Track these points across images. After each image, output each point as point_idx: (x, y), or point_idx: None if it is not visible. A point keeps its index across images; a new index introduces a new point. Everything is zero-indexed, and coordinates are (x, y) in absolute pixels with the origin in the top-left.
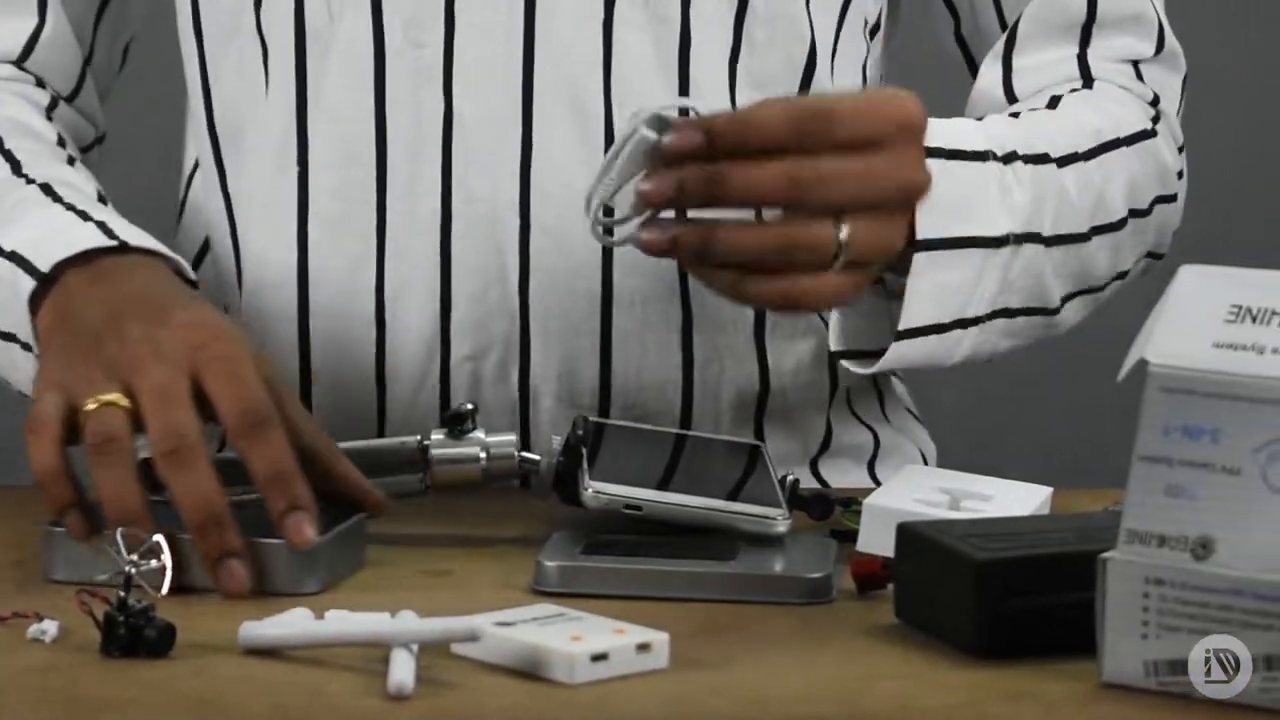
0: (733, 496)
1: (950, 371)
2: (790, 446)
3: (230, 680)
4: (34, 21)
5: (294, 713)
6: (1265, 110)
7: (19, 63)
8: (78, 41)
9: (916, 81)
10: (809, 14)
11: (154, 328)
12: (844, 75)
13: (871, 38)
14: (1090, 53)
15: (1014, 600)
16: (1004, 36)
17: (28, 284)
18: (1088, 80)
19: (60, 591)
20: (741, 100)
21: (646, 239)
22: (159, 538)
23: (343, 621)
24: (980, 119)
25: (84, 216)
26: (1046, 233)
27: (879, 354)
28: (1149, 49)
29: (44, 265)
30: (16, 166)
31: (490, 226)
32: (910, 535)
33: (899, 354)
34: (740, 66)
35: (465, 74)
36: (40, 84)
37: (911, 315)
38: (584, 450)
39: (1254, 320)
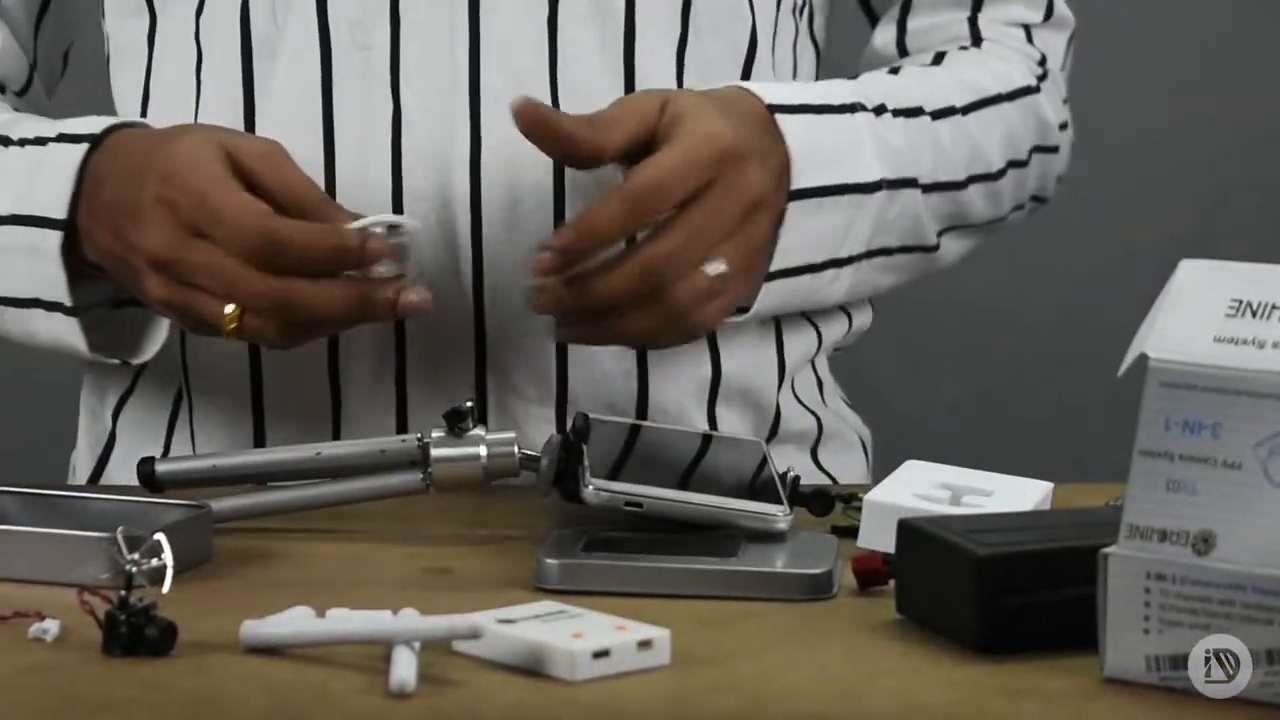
0: (734, 494)
1: (950, 367)
2: (743, 429)
3: (231, 679)
4: None
5: (295, 711)
6: (1264, 102)
7: None
8: (21, 49)
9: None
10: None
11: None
12: (781, 58)
13: (800, 16)
14: (981, 16)
15: (1015, 595)
16: (899, 5)
17: (54, 238)
18: (976, 40)
19: (61, 590)
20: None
21: (532, 302)
22: (159, 537)
23: (344, 620)
24: (855, 76)
25: (39, 141)
26: (924, 180)
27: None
28: (1038, 16)
29: (57, 212)
30: None
31: (441, 225)
32: (911, 531)
33: (773, 293)
34: (687, 56)
35: (410, 73)
36: None
37: (783, 258)
38: (584, 447)
39: (1254, 315)
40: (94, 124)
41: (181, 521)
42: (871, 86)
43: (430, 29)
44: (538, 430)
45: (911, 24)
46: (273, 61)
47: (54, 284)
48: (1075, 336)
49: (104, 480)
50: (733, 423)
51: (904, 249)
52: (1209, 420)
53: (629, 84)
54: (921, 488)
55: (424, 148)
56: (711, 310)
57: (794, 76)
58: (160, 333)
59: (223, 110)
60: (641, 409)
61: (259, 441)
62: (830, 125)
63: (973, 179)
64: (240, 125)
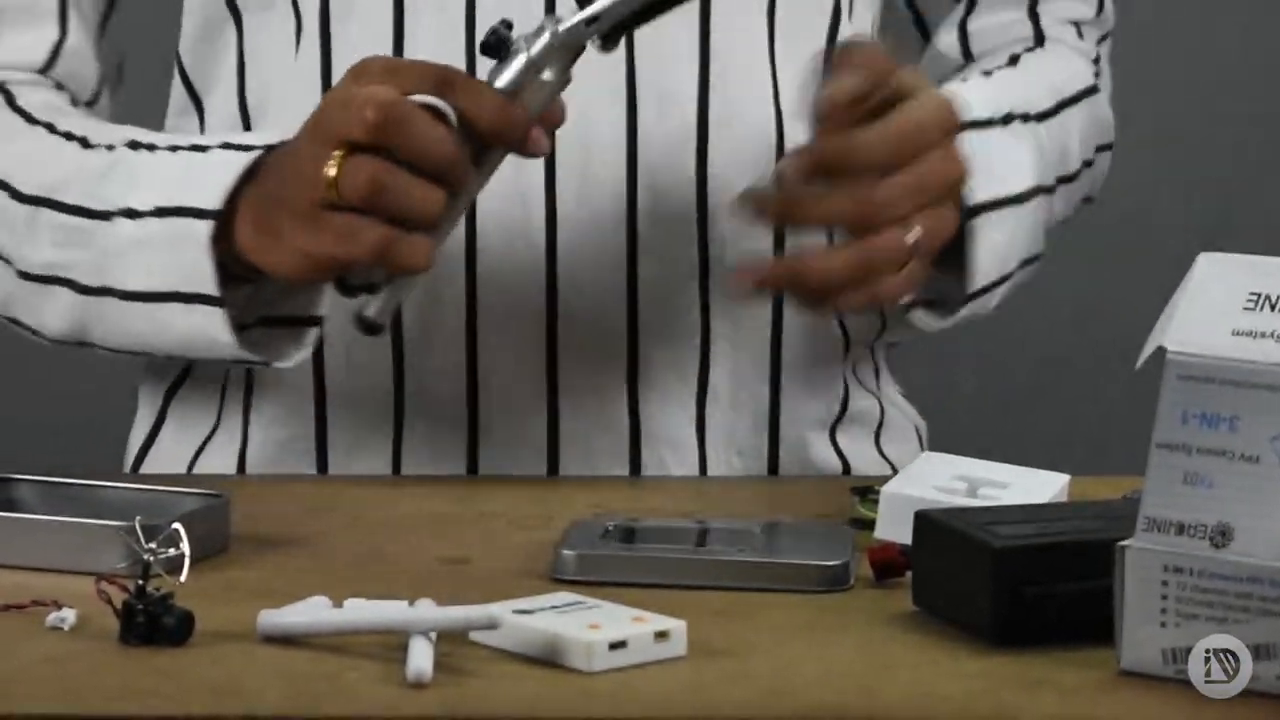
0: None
1: (967, 356)
2: (813, 406)
3: (248, 668)
4: (55, 33)
5: (311, 700)
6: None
7: (42, 71)
8: (94, 56)
9: None
10: None
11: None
12: (860, 19)
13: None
14: (1041, 15)
15: (1032, 587)
16: (963, 5)
17: (204, 228)
18: (1039, 38)
19: (78, 579)
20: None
21: (739, 279)
22: (177, 526)
23: (361, 610)
24: (965, 82)
25: (199, 149)
26: (1047, 184)
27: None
28: (1090, 11)
29: (214, 203)
30: (85, 141)
31: (515, 179)
32: (928, 522)
33: (971, 310)
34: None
35: (488, 19)
36: (60, 87)
37: (979, 276)
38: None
39: (1272, 308)
40: (264, 136)
41: (199, 511)
42: (990, 93)
43: None
44: (607, 397)
45: (972, 25)
46: (347, 20)
47: (198, 273)
48: (1092, 327)
49: (149, 461)
50: (800, 398)
51: (1032, 259)
52: (1226, 413)
53: (704, 35)
54: (938, 479)
55: None
56: (900, 281)
57: None
58: (309, 337)
59: (305, 68)
60: (704, 373)
61: (320, 431)
62: (988, 139)
63: (1060, 180)
64: (317, 86)
